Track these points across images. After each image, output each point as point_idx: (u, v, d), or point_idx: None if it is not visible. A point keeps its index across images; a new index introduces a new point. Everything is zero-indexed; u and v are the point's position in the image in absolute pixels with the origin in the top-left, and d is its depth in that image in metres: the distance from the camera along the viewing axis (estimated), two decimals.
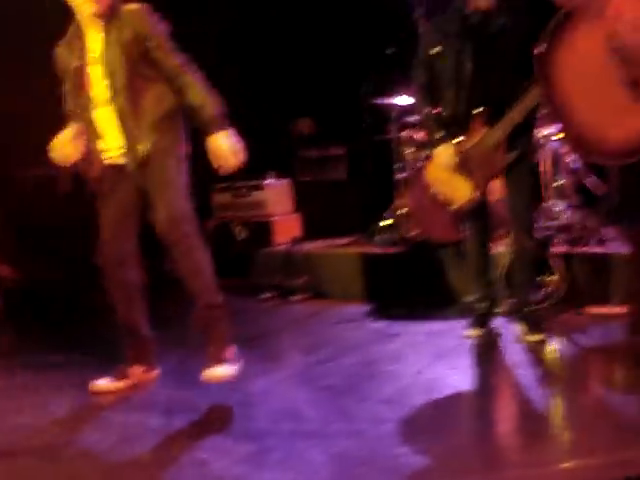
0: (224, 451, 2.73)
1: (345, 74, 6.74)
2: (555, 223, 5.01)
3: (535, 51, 3.02)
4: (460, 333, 4.15)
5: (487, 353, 3.89)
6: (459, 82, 3.78)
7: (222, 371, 3.31)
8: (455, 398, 3.18)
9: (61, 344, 4.48)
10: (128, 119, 3.36)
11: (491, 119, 3.78)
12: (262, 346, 4.29)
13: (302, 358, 3.96)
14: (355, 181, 7.30)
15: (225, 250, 6.35)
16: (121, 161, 3.44)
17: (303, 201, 6.81)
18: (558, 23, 2.92)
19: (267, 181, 6.53)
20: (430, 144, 4.04)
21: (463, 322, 4.21)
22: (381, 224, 6.06)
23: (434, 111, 3.95)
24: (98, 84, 3.41)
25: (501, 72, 3.74)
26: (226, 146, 3.25)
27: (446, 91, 3.85)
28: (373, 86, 6.24)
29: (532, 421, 2.89)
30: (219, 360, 3.33)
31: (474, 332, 4.10)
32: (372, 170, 6.53)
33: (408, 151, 5.81)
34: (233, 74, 6.89)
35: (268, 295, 5.68)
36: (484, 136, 3.82)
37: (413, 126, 5.76)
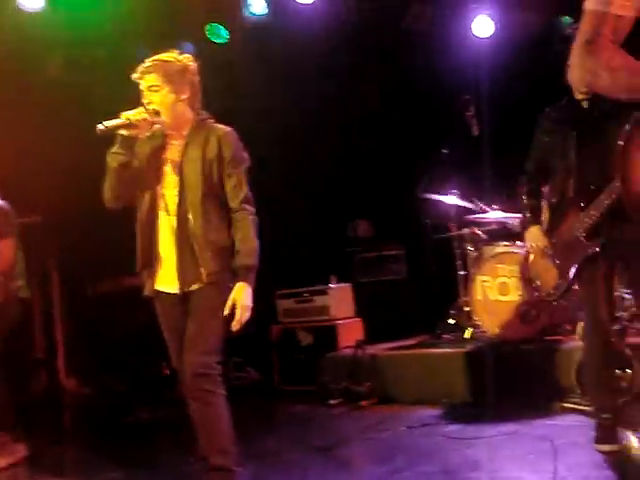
0: None
1: (399, 175, 6.83)
2: (626, 313, 4.88)
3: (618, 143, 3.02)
4: (537, 433, 4.01)
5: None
6: (566, 169, 3.65)
7: None
8: None
9: (123, 461, 4.41)
10: (194, 238, 3.19)
11: (586, 205, 3.53)
12: (335, 456, 4.19)
13: (377, 467, 3.84)
14: (415, 280, 7.28)
15: (290, 356, 6.39)
16: (172, 286, 3.24)
17: (364, 303, 6.79)
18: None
19: (330, 285, 6.51)
20: (523, 228, 3.94)
21: (539, 421, 4.07)
22: (447, 323, 6.00)
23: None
24: (169, 189, 3.25)
25: (600, 157, 3.46)
26: (240, 299, 3.13)
27: (556, 178, 3.75)
28: (429, 186, 6.28)
29: None
30: None
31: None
32: (433, 268, 6.50)
33: (470, 248, 5.81)
34: (291, 180, 7.05)
35: (336, 401, 5.60)
36: (575, 222, 3.58)
37: (474, 224, 5.78)
